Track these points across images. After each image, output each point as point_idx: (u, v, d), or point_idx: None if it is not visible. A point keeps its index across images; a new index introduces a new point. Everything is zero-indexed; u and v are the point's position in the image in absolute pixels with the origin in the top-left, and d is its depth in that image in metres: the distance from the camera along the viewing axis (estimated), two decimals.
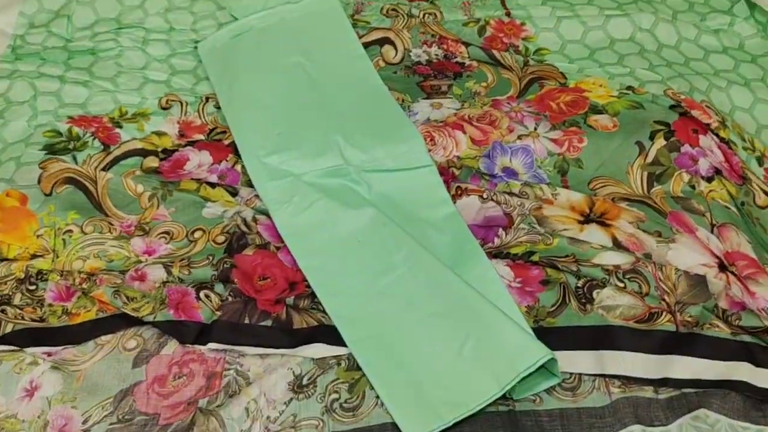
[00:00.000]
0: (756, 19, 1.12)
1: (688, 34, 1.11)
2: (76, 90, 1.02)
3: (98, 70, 1.05)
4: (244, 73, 1.04)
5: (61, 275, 0.82)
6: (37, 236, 0.86)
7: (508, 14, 1.15)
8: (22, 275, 0.82)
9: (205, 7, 1.15)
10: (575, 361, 0.75)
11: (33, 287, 0.81)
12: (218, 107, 1.02)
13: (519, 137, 0.95)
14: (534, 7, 1.15)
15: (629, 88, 1.02)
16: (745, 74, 1.06)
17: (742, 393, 0.72)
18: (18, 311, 0.79)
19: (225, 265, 0.83)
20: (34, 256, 0.84)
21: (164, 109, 1.02)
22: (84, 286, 0.81)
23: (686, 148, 0.93)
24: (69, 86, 1.02)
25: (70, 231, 0.86)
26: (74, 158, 0.94)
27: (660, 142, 0.93)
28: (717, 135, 0.95)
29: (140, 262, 0.85)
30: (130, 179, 0.92)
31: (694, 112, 0.97)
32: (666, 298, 0.79)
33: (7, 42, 1.07)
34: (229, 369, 0.75)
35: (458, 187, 0.90)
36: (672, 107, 0.98)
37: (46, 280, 0.82)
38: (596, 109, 0.98)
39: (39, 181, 0.90)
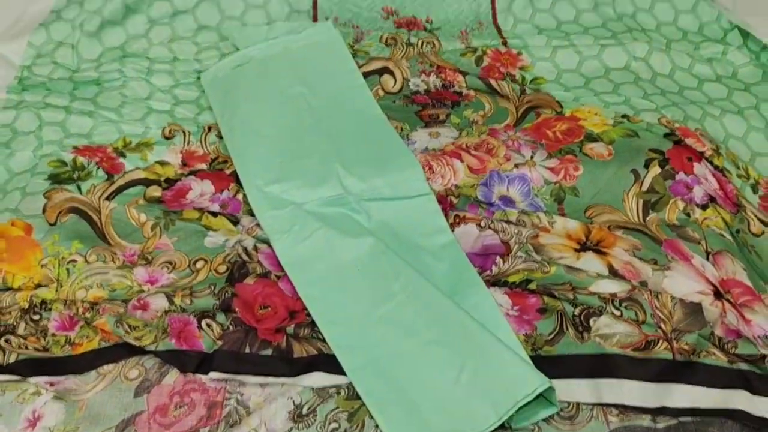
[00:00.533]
0: (749, 48, 1.14)
1: (682, 63, 1.13)
2: (81, 120, 1.04)
3: (103, 101, 1.07)
4: (245, 102, 1.06)
5: (65, 305, 0.83)
6: (42, 266, 0.87)
7: (504, 44, 1.17)
8: (26, 305, 0.83)
9: (209, 37, 1.18)
10: (573, 389, 0.75)
11: (37, 317, 0.82)
12: (220, 137, 1.04)
13: (516, 166, 0.97)
14: (530, 37, 1.17)
15: (624, 116, 1.03)
16: (739, 102, 1.08)
17: (740, 421, 0.73)
18: (22, 341, 0.80)
19: (226, 295, 0.84)
20: (38, 286, 0.85)
21: (167, 138, 1.04)
22: (87, 315, 0.82)
23: (681, 176, 0.94)
24: (74, 116, 1.04)
25: (74, 260, 0.88)
26: (78, 188, 0.95)
27: (655, 170, 0.94)
28: (711, 163, 0.97)
29: (143, 291, 0.86)
30: (133, 208, 0.93)
31: (689, 141, 0.99)
32: (662, 325, 0.80)
33: (14, 73, 1.09)
34: (229, 398, 0.76)
35: (456, 215, 0.92)
36: (666, 135, 0.99)
37: (50, 309, 0.83)
38: (592, 138, 1.00)
39: (44, 211, 0.92)
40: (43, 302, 0.83)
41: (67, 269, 0.87)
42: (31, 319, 0.82)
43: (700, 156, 0.97)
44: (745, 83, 1.11)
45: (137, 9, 1.16)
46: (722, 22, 1.16)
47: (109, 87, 1.09)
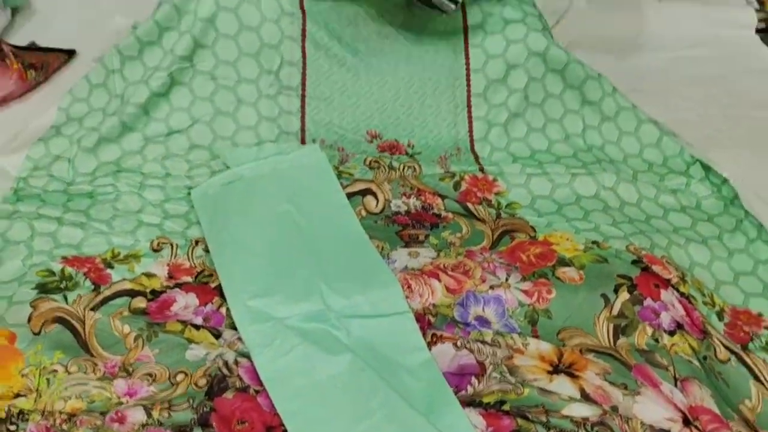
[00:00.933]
0: (711, 181, 1.21)
1: (648, 193, 1.19)
2: (72, 231, 1.07)
3: (95, 213, 1.10)
4: (233, 218, 1.10)
5: (43, 415, 0.83)
6: (22, 375, 0.87)
7: (481, 170, 1.24)
8: (4, 415, 0.83)
9: (201, 155, 1.23)
10: None
11: (13, 427, 0.82)
12: (207, 251, 1.07)
13: (491, 287, 1.00)
14: (506, 165, 1.24)
15: (594, 242, 1.09)
16: (703, 232, 1.13)
17: None
18: None
19: (204, 409, 0.84)
20: (17, 396, 0.85)
21: (155, 251, 1.07)
22: (64, 427, 0.82)
23: (649, 302, 0.98)
24: (66, 228, 1.07)
25: (55, 371, 0.88)
26: (65, 298, 0.97)
27: (624, 295, 0.98)
28: (677, 290, 1.01)
29: (121, 403, 0.86)
30: (117, 320, 0.95)
31: (655, 268, 1.03)
32: None
33: (10, 184, 1.13)
34: None
35: (433, 334, 0.94)
36: (634, 262, 1.04)
37: (27, 420, 0.83)
38: (564, 262, 1.05)
39: (29, 320, 0.93)
40: (21, 412, 0.83)
41: (48, 379, 0.87)
42: (8, 430, 0.82)
43: (666, 283, 1.01)
44: (709, 214, 1.17)
45: (134, 127, 1.22)
46: (685, 156, 1.24)
47: (102, 200, 1.13)
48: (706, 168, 1.22)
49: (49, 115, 1.23)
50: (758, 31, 1.66)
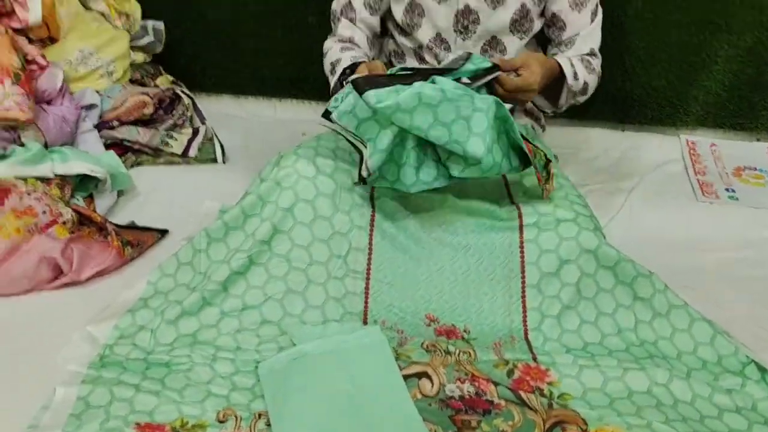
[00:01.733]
0: (767, 382, 1.22)
1: (702, 391, 1.20)
2: (147, 398, 1.15)
3: (169, 382, 1.19)
4: (295, 394, 1.16)
5: None
6: None
7: (534, 359, 1.28)
8: None
9: (270, 331, 1.32)
10: None
11: None
12: (269, 424, 1.13)
13: None
14: (558, 355, 1.28)
15: None
16: None
17: None
18: None
19: None
20: None
21: (221, 422, 1.13)
22: None
23: None
24: (142, 395, 1.15)
25: None
26: None
27: None
28: None
29: None
30: None
31: None
32: None
33: (98, 351, 1.24)
34: None
35: None
36: None
37: None
38: None
39: None
40: None
41: None
42: None
43: None
44: (765, 417, 1.16)
45: (212, 302, 1.33)
46: (740, 356, 1.25)
47: (176, 369, 1.22)
48: (762, 369, 1.22)
49: (139, 288, 1.36)
50: None
